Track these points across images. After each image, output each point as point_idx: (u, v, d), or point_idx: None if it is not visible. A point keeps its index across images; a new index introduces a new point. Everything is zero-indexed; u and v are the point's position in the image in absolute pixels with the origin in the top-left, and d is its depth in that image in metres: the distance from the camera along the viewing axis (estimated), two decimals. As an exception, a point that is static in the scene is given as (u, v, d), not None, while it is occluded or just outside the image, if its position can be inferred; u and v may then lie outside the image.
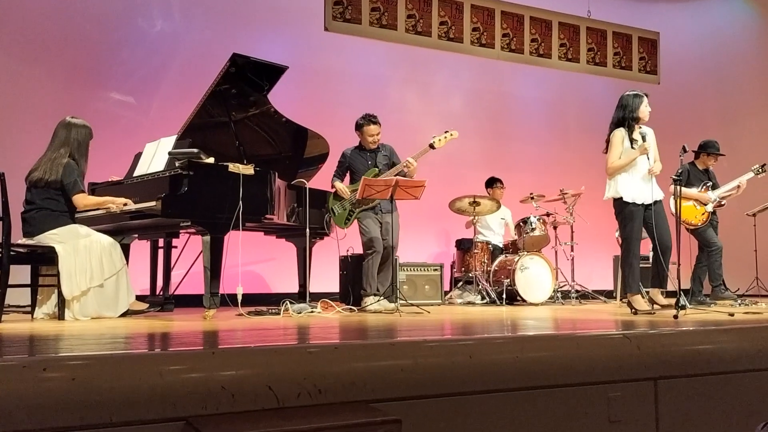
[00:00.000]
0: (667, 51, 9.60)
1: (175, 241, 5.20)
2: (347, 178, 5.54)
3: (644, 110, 4.66)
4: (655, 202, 4.62)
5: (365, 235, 5.33)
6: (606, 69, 9.26)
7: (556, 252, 6.84)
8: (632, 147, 4.59)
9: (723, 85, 9.38)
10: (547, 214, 6.83)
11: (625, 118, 4.65)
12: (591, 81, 9.13)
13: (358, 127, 5.47)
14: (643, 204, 4.59)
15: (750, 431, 1.84)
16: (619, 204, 4.63)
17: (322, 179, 5.57)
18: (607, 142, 4.72)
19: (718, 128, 8.82)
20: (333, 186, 5.46)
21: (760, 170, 5.95)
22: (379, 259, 5.31)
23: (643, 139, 4.58)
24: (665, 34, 9.62)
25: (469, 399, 2.39)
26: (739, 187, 5.91)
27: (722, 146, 6.20)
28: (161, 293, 5.19)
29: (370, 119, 5.43)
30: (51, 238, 4.19)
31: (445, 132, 5.41)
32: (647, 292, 4.83)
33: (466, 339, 2.59)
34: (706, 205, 5.86)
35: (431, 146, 5.36)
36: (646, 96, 4.72)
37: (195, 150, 4.29)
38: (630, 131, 4.63)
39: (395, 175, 5.18)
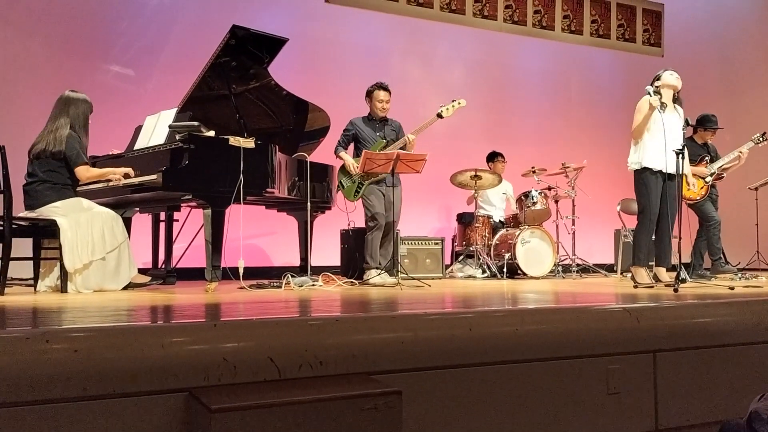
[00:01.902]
0: (672, 23, 9.49)
1: (176, 215, 5.21)
2: (351, 148, 5.52)
3: (670, 78, 4.61)
4: (672, 176, 4.57)
5: (369, 210, 5.35)
6: (609, 41, 9.16)
7: (557, 226, 6.85)
8: (660, 110, 4.54)
9: (727, 58, 9.29)
10: (549, 188, 6.82)
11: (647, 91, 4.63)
12: (594, 53, 9.05)
13: (368, 93, 5.51)
14: (661, 173, 4.52)
15: (747, 403, 1.85)
16: (638, 174, 4.59)
17: (323, 153, 5.56)
18: None
19: (722, 101, 8.77)
20: (338, 156, 5.46)
21: (761, 139, 5.91)
22: (381, 233, 5.32)
23: (661, 108, 4.52)
24: (670, 6, 9.51)
25: (469, 371, 2.41)
26: (740, 157, 5.88)
27: (726, 119, 6.16)
28: (163, 266, 5.21)
29: (380, 85, 5.49)
30: (53, 210, 4.19)
31: (453, 101, 5.48)
32: (650, 267, 4.84)
33: (466, 312, 2.60)
34: (703, 177, 5.84)
35: (439, 116, 5.43)
36: (673, 71, 4.68)
37: (195, 123, 4.27)
38: (660, 97, 4.56)
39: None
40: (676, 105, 4.67)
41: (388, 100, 5.50)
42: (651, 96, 4.48)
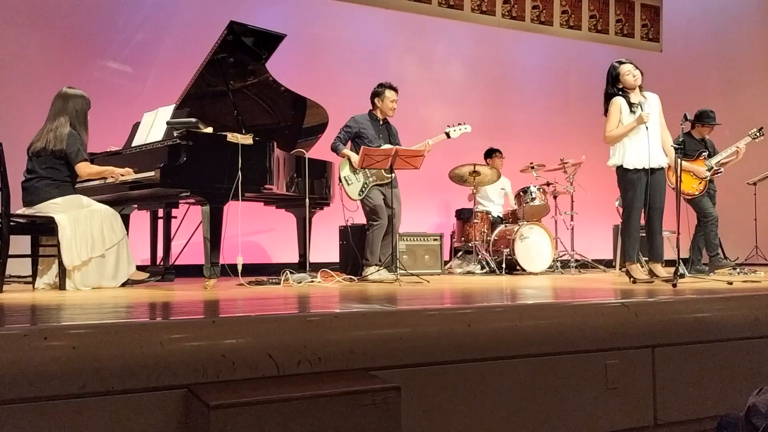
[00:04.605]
0: (670, 18, 9.48)
1: (174, 212, 5.20)
2: (349, 145, 5.49)
3: (627, 78, 4.56)
4: (658, 169, 4.57)
5: (369, 205, 5.33)
6: (608, 36, 9.15)
7: (555, 221, 6.85)
8: (631, 111, 4.53)
9: (726, 53, 9.28)
10: (547, 184, 6.82)
11: (610, 93, 4.60)
12: (592, 49, 9.03)
13: (378, 94, 5.46)
14: (644, 169, 4.52)
15: (745, 398, 1.86)
16: (621, 171, 4.59)
17: (321, 149, 5.55)
18: (605, 105, 4.66)
19: (721, 96, 8.76)
20: (339, 152, 5.41)
21: (758, 134, 5.91)
22: (384, 230, 5.31)
23: (641, 107, 4.52)
24: (668, 1, 9.49)
25: (468, 367, 2.41)
26: (737, 152, 5.87)
27: (725, 114, 6.15)
28: (161, 263, 5.21)
29: (390, 85, 5.47)
30: (52, 207, 4.19)
31: (460, 124, 5.65)
32: (647, 261, 4.84)
33: (465, 308, 2.61)
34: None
35: (447, 135, 5.62)
36: (625, 63, 4.59)
37: (193, 119, 4.26)
38: (626, 98, 4.57)
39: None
40: (643, 93, 4.65)
41: (396, 100, 5.50)
42: (639, 111, 4.48)
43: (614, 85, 4.60)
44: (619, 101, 4.56)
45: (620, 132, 4.53)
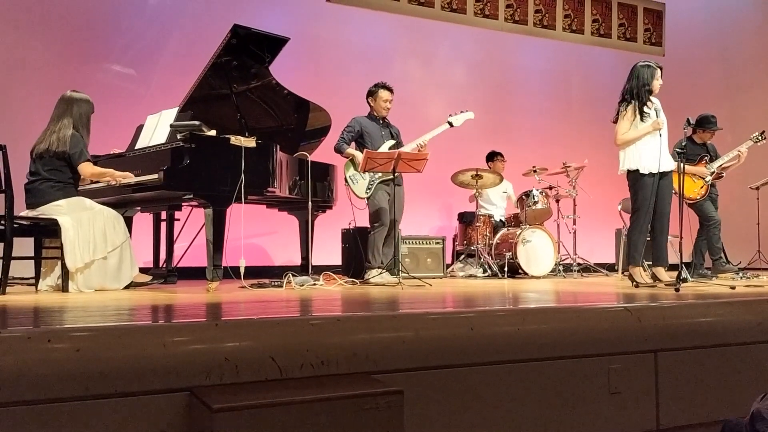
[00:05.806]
0: (673, 22, 9.48)
1: (177, 214, 5.21)
2: (353, 146, 5.51)
3: (655, 84, 4.60)
4: (666, 173, 4.58)
5: (373, 207, 5.34)
6: (611, 40, 9.16)
7: (558, 225, 6.84)
8: (642, 120, 4.54)
9: (728, 57, 9.28)
10: (550, 188, 6.82)
11: (636, 90, 4.59)
12: (595, 53, 9.04)
13: (371, 93, 5.53)
14: (658, 173, 4.53)
15: (748, 403, 1.85)
16: (636, 175, 4.59)
17: (324, 152, 5.55)
18: (632, 102, 4.63)
19: (723, 100, 8.76)
20: (343, 152, 5.42)
21: (760, 137, 5.91)
22: (386, 233, 5.32)
23: (657, 114, 4.54)
24: (671, 5, 9.50)
25: (470, 371, 2.41)
26: (739, 156, 5.87)
27: (726, 118, 6.15)
28: (164, 266, 5.21)
29: (383, 85, 5.54)
30: (55, 209, 4.20)
31: (462, 111, 5.70)
32: (650, 266, 4.83)
33: (467, 311, 2.60)
34: (703, 177, 5.84)
35: (450, 124, 5.65)
36: (660, 69, 4.64)
37: (196, 122, 4.27)
38: (642, 103, 4.58)
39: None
40: (651, 99, 4.66)
41: (391, 100, 5.55)
42: (654, 117, 4.50)
43: (647, 84, 4.56)
44: (633, 106, 4.56)
45: (634, 136, 4.54)
